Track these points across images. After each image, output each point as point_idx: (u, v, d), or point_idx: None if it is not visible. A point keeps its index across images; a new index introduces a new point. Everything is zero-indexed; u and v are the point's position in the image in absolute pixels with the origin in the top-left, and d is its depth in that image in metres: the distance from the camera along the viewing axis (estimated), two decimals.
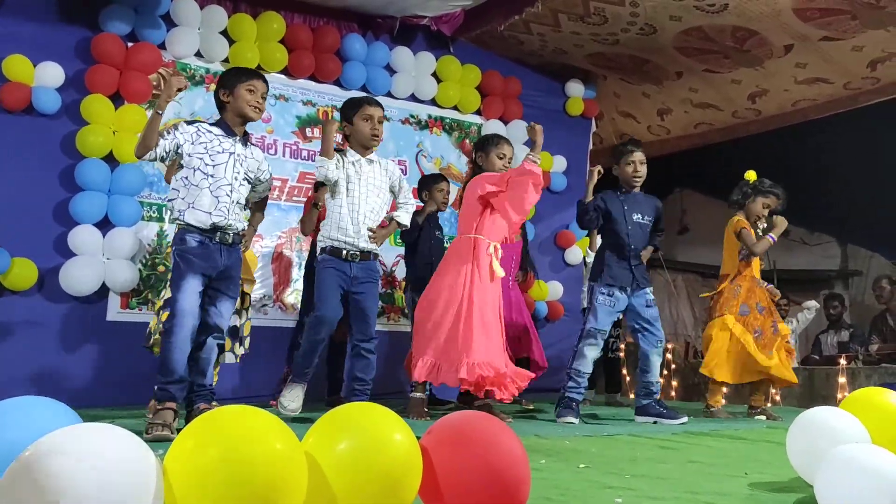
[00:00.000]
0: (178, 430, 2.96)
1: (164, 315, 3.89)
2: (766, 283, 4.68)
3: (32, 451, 1.14)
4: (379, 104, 3.79)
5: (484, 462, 1.44)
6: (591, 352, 4.11)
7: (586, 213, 4.19)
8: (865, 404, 2.02)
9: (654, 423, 3.97)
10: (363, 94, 5.74)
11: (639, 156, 4.23)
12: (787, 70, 6.13)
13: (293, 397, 3.53)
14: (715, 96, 6.84)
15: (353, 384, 3.62)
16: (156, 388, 3.08)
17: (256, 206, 3.59)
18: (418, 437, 1.49)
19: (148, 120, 3.11)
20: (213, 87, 3.81)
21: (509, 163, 4.09)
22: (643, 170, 4.23)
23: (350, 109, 3.76)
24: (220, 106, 3.31)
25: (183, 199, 3.16)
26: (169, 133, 3.14)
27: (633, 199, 4.25)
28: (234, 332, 3.92)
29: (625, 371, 6.24)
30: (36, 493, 1.08)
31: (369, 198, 3.71)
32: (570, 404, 4.01)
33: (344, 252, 3.64)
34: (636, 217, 4.21)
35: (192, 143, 3.16)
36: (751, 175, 4.67)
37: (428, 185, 4.98)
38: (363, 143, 3.73)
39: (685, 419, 3.97)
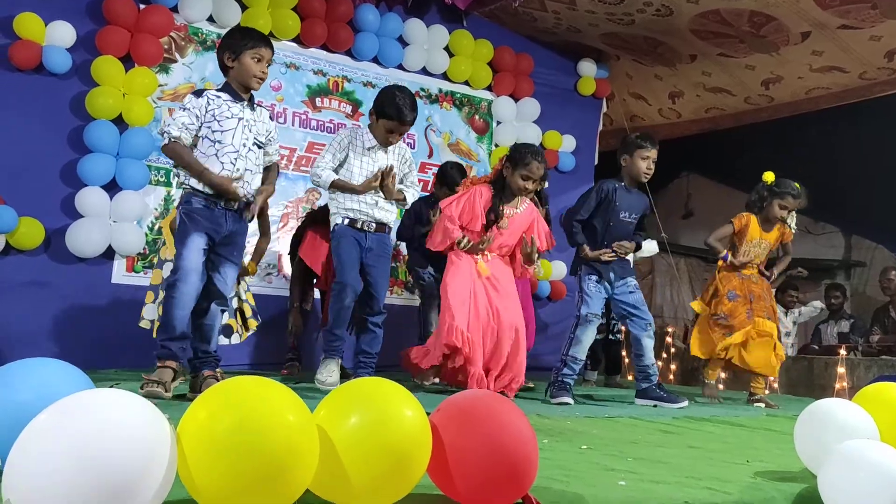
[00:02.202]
0: (192, 393, 3.03)
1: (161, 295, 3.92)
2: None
3: (47, 416, 1.15)
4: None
5: (493, 441, 1.45)
6: (588, 337, 4.11)
7: (574, 231, 4.22)
8: (877, 399, 2.02)
9: (654, 406, 3.98)
10: (373, 65, 5.73)
11: (654, 154, 4.19)
12: (802, 57, 6.08)
13: (329, 372, 3.55)
14: (728, 81, 6.79)
15: (359, 357, 3.67)
16: (158, 343, 3.09)
17: (265, 172, 3.43)
18: (428, 414, 1.50)
19: (196, 167, 3.08)
20: None
21: (535, 183, 3.96)
22: (653, 168, 4.22)
23: (384, 108, 3.72)
24: (224, 68, 3.24)
25: None
26: (192, 120, 3.10)
27: (627, 195, 4.20)
28: (237, 313, 3.95)
29: (624, 353, 6.26)
30: (50, 458, 1.09)
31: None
32: (564, 385, 4.03)
33: (360, 222, 3.69)
34: (623, 215, 4.18)
35: (204, 114, 3.13)
36: (769, 176, 4.55)
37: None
38: (383, 142, 3.76)
39: (685, 403, 3.99)
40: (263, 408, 1.27)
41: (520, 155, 3.94)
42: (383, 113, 3.70)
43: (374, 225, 3.72)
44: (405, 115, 3.69)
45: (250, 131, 3.22)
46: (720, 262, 4.62)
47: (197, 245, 3.09)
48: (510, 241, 4.06)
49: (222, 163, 3.13)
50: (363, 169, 3.71)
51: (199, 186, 3.12)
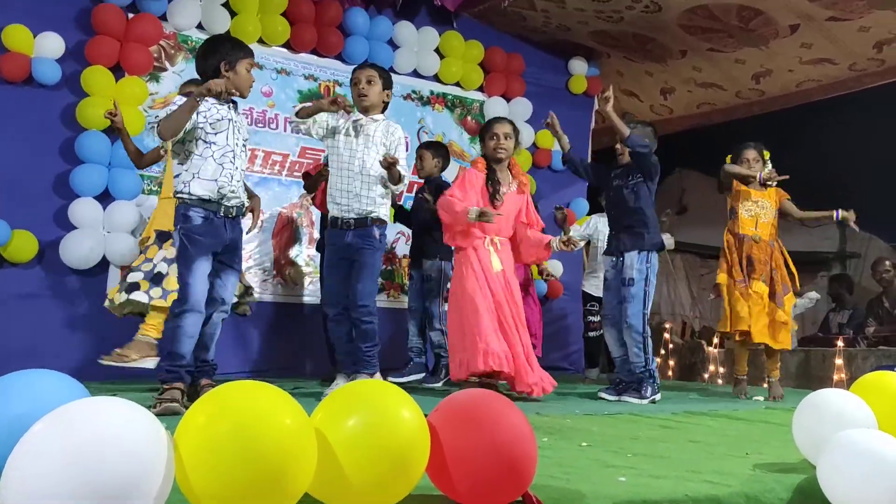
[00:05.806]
0: (190, 402, 3.00)
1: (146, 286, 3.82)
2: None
3: (44, 424, 1.14)
4: (361, 67, 3.88)
5: (491, 440, 1.45)
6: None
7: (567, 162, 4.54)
8: (874, 388, 2.03)
9: (654, 402, 3.99)
10: None
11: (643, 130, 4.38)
12: (792, 50, 6.09)
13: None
14: (719, 76, 6.80)
15: (356, 355, 3.65)
16: (164, 369, 3.04)
17: None
18: (426, 415, 1.49)
19: (187, 103, 3.01)
20: None
21: (505, 138, 4.10)
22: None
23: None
24: (209, 76, 3.18)
25: (187, 170, 3.11)
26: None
27: (621, 168, 4.38)
28: (158, 278, 3.78)
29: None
30: (47, 465, 1.08)
31: (364, 166, 3.72)
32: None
33: (339, 221, 3.68)
34: (617, 182, 4.35)
35: (196, 114, 3.11)
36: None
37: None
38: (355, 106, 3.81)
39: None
40: (260, 412, 1.27)
41: (484, 126, 4.35)
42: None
43: (352, 221, 3.63)
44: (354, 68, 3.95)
45: (239, 132, 3.24)
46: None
47: (203, 271, 3.07)
48: (505, 218, 4.09)
49: (221, 164, 3.12)
50: (350, 143, 3.72)
51: (197, 193, 3.08)
